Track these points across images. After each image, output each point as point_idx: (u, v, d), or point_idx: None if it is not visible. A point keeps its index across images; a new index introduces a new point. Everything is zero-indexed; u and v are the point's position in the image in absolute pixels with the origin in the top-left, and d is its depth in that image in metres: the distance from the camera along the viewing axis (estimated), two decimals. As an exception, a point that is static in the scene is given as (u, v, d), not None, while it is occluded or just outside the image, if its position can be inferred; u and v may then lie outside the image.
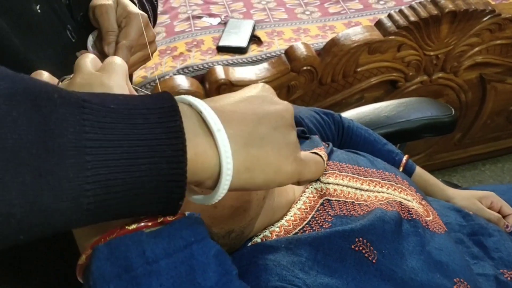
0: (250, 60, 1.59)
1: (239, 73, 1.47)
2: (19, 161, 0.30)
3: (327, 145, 0.84)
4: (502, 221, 1.00)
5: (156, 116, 0.36)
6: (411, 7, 1.51)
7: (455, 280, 0.69)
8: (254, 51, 1.62)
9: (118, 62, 0.47)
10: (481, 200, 1.02)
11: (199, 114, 0.39)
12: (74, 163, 0.32)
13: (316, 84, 1.54)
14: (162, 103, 0.37)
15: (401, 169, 1.03)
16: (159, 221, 0.41)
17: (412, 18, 1.49)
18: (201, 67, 1.54)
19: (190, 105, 0.40)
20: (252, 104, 0.43)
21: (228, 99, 0.43)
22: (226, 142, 0.39)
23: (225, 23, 1.74)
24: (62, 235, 0.43)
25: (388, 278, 0.63)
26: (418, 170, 1.06)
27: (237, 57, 1.59)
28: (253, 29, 1.69)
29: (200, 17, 1.80)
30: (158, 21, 1.79)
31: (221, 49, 1.61)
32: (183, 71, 1.53)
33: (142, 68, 1.61)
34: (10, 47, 0.68)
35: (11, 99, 0.30)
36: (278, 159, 0.43)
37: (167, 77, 1.49)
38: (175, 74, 1.50)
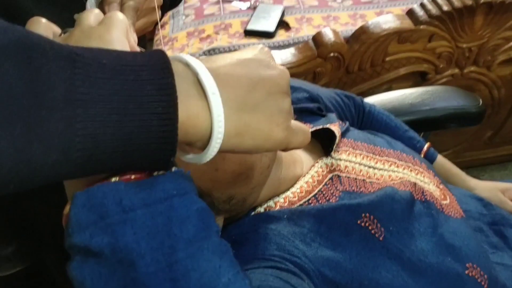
0: (277, 45, 1.57)
1: (265, 56, 1.45)
2: (9, 113, 0.30)
3: (343, 124, 0.83)
4: None
5: (148, 72, 0.36)
6: (445, -3, 1.47)
7: (467, 265, 0.67)
8: (282, 36, 1.61)
9: (118, 16, 0.46)
10: (504, 192, 0.98)
11: (195, 75, 0.39)
12: (64, 116, 0.32)
13: (343, 71, 1.52)
14: (155, 60, 0.37)
15: (422, 156, 1.00)
16: (143, 175, 0.40)
17: (446, 8, 1.44)
18: (227, 50, 1.53)
19: (187, 64, 0.39)
20: (248, 68, 0.42)
21: (224, 60, 0.42)
22: (220, 106, 0.38)
23: (254, 8, 1.73)
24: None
25: (394, 257, 0.62)
26: (440, 158, 1.04)
27: (264, 41, 1.57)
28: (282, 15, 1.67)
29: (230, 1, 1.79)
30: (187, 4, 1.80)
31: (249, 33, 1.60)
32: (209, 52, 1.52)
33: (169, 49, 1.62)
34: (23, 10, 0.67)
35: (3, 50, 0.30)
36: (269, 126, 0.42)
37: (193, 58, 1.49)
38: (200, 55, 1.50)
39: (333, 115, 0.84)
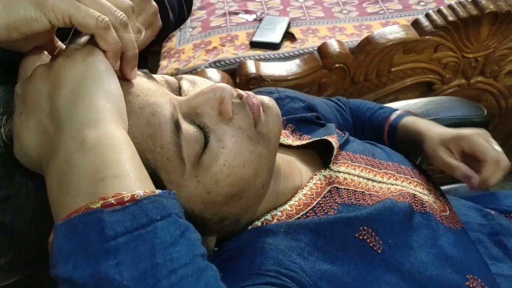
0: (283, 56, 1.58)
1: (270, 68, 1.45)
2: None
3: (343, 135, 0.82)
4: (465, 172, 0.78)
5: None
6: (450, 7, 1.46)
7: (468, 276, 0.66)
8: (287, 48, 1.61)
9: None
10: (448, 144, 0.83)
11: None
12: None
13: (348, 82, 1.52)
14: None
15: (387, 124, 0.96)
16: (126, 200, 0.39)
17: (451, 18, 1.44)
18: (233, 61, 1.54)
19: None
20: None
21: None
22: None
23: (260, 20, 1.74)
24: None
25: (394, 270, 0.61)
26: (407, 119, 0.93)
27: (269, 53, 1.58)
28: (288, 26, 1.68)
29: (236, 13, 1.81)
30: (194, 16, 1.82)
31: (254, 45, 1.62)
32: (215, 64, 1.53)
33: (176, 61, 1.63)
34: None
35: None
36: None
37: (199, 70, 1.50)
38: (207, 67, 1.51)
39: (332, 126, 0.84)
